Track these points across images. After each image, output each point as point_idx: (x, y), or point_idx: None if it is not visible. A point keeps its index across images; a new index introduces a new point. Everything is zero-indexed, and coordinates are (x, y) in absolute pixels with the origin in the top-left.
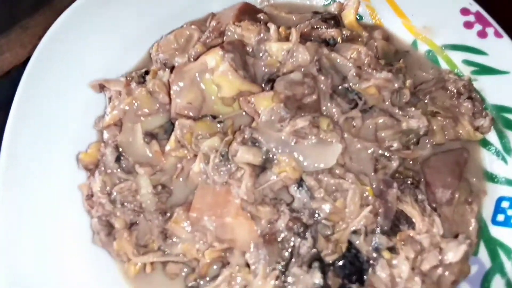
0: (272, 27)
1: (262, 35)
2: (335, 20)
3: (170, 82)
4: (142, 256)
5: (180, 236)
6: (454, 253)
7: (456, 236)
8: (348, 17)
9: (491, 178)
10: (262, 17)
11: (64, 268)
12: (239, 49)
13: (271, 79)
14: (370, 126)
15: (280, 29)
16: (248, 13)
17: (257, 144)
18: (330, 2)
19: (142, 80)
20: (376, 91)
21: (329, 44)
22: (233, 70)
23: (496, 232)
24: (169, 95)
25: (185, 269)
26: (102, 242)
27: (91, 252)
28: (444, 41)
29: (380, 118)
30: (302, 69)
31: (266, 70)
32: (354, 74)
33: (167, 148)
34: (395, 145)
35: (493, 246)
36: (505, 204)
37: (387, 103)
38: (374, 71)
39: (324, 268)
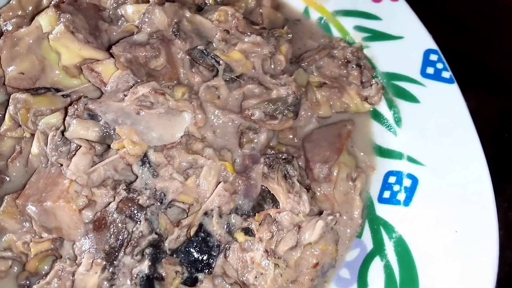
0: None
1: None
2: None
3: None
4: None
5: (7, 228)
6: (311, 231)
7: (321, 214)
8: None
9: (381, 152)
10: None
11: None
12: (89, 13)
13: None
14: (237, 97)
15: None
16: None
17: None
18: None
19: None
20: (241, 56)
21: (202, 8)
22: (69, 33)
23: (381, 210)
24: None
25: (16, 267)
26: None
27: None
28: (336, 6)
29: (247, 87)
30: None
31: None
32: (220, 38)
33: (2, 128)
34: (257, 114)
35: (376, 225)
36: (392, 179)
37: (254, 70)
38: (243, 35)
39: (158, 255)
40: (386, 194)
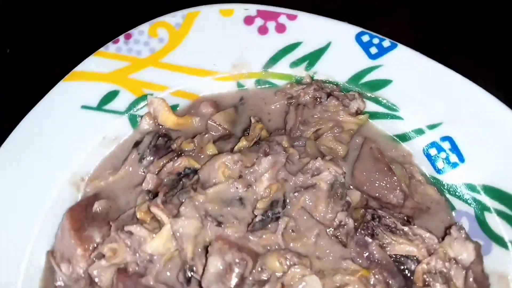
0: None
1: None
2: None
3: None
4: None
5: None
6: (467, 254)
7: (445, 233)
8: (168, 119)
9: (401, 138)
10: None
11: None
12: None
13: None
14: (304, 216)
15: None
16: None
17: None
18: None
19: None
20: (277, 184)
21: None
22: None
23: (449, 179)
24: None
25: None
26: None
27: None
28: (259, 63)
29: (300, 202)
30: None
31: None
32: (243, 188)
33: None
34: (343, 219)
35: (459, 193)
36: (432, 151)
37: (290, 183)
38: (251, 167)
39: None
40: (440, 165)
